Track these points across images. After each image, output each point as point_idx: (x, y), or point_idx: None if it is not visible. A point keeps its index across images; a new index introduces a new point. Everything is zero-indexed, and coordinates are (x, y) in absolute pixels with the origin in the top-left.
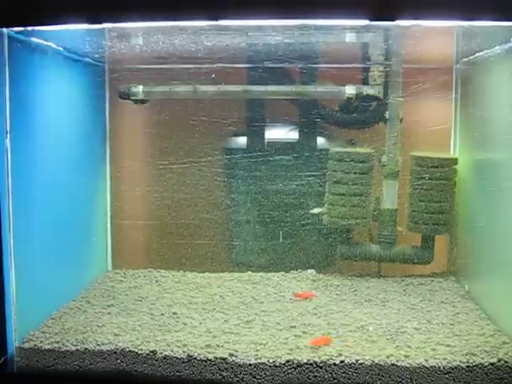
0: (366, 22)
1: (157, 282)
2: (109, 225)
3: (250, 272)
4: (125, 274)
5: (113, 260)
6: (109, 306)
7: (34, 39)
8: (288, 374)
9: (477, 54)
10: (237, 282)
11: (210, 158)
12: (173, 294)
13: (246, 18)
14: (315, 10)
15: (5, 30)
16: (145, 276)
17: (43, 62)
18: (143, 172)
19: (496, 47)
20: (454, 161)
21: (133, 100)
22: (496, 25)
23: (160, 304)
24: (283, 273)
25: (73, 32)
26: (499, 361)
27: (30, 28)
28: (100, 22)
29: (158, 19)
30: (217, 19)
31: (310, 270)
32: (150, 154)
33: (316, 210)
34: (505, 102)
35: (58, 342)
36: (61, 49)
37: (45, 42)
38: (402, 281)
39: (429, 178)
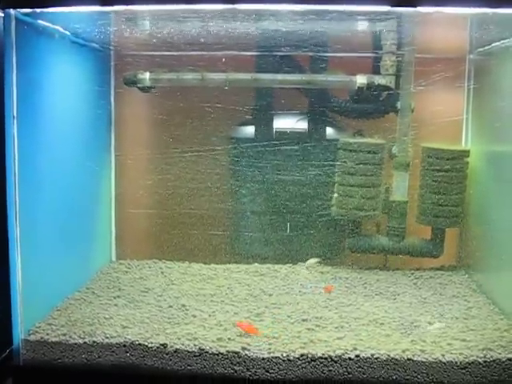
0: (386, 8)
1: (162, 273)
2: (113, 214)
3: (256, 264)
4: (129, 264)
5: (117, 250)
6: (115, 298)
7: (41, 22)
8: (302, 368)
9: (493, 44)
10: (244, 274)
11: (217, 148)
12: (179, 286)
13: (264, 2)
14: None
15: (12, 11)
16: (150, 267)
17: (50, 45)
18: (149, 160)
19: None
20: (466, 153)
21: (139, 87)
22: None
23: (167, 296)
24: (290, 264)
25: (80, 16)
26: None
27: (37, 10)
28: (110, 4)
29: (172, 2)
30: (234, 2)
31: (310, 260)
32: (155, 143)
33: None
34: None
35: (65, 335)
36: (68, 33)
37: (52, 26)
38: (412, 274)
39: (440, 170)
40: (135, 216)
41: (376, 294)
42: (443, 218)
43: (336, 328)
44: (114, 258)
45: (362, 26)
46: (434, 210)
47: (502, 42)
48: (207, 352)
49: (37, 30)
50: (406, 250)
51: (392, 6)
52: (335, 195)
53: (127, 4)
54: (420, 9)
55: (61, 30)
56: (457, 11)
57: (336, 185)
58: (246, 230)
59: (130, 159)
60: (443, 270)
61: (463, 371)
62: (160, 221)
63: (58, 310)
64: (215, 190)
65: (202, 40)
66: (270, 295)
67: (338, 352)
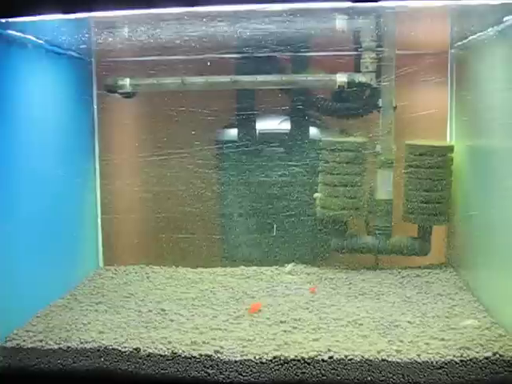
0: (348, 4)
1: (148, 278)
2: (99, 220)
3: (242, 266)
4: (116, 270)
5: (104, 256)
6: (96, 304)
7: (11, 32)
8: (275, 370)
9: (470, 37)
10: (229, 277)
11: (200, 151)
12: (163, 290)
13: (222, 3)
14: None
15: None
16: (136, 272)
17: (22, 55)
18: (134, 165)
19: (489, 29)
20: (450, 148)
21: (120, 93)
22: (487, 4)
23: (149, 300)
24: (277, 266)
25: (53, 24)
26: (494, 354)
27: (3, 20)
28: (74, 12)
29: (133, 7)
30: (194, 5)
31: (289, 265)
32: (140, 147)
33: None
34: (497, 87)
35: (41, 341)
36: (42, 42)
37: (23, 35)
38: (399, 273)
39: (424, 167)
40: (122, 221)
41: (360, 294)
42: (429, 215)
43: (313, 329)
44: (101, 264)
45: (341, 23)
46: (419, 208)
47: (478, 34)
48: (180, 356)
49: (7, 40)
50: (393, 248)
51: (354, 1)
52: (318, 195)
53: (88, 11)
54: (382, 3)
55: (33, 39)
56: (419, 5)
57: (319, 185)
58: (232, 232)
59: (114, 164)
60: (431, 268)
61: (439, 371)
62: (147, 226)
63: (37, 317)
64: (201, 193)
65: (182, 44)
66: (253, 298)
67: (312, 354)
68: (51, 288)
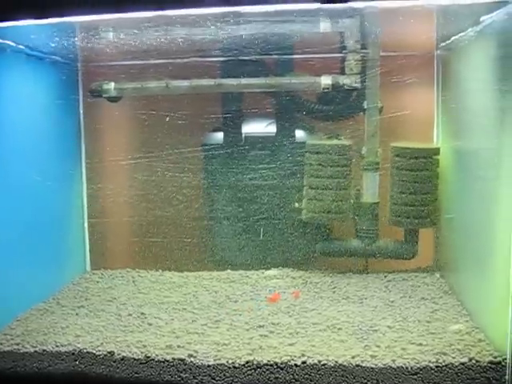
0: (316, 6)
1: (133, 282)
2: (86, 225)
3: (229, 270)
4: (102, 274)
5: (91, 260)
6: (78, 308)
7: None
8: (248, 375)
9: (452, 38)
10: (214, 281)
11: (187, 155)
12: (146, 294)
13: (190, 7)
14: None
15: None
16: (122, 276)
17: (1, 61)
18: (120, 170)
19: (469, 29)
20: (436, 151)
21: (105, 97)
22: (464, 4)
23: (130, 304)
24: (263, 270)
25: (36, 29)
26: (470, 360)
27: None
28: (46, 17)
29: (102, 12)
30: (163, 9)
31: (269, 271)
32: (126, 151)
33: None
34: (478, 87)
35: (18, 344)
36: (22, 47)
37: (1, 41)
38: (385, 277)
39: (410, 170)
40: (108, 225)
41: (343, 299)
42: (414, 218)
43: (290, 334)
44: (88, 268)
45: (325, 26)
46: (405, 211)
47: (459, 35)
48: (153, 359)
49: None
50: (378, 252)
51: (322, 2)
52: (304, 199)
53: (59, 16)
54: (352, 4)
55: (12, 44)
56: (389, 5)
57: (305, 188)
58: (218, 236)
59: (100, 168)
60: (418, 271)
61: (414, 377)
62: (133, 229)
63: (17, 320)
64: (187, 197)
65: (166, 47)
66: (235, 302)
67: (285, 358)
68: (34, 292)
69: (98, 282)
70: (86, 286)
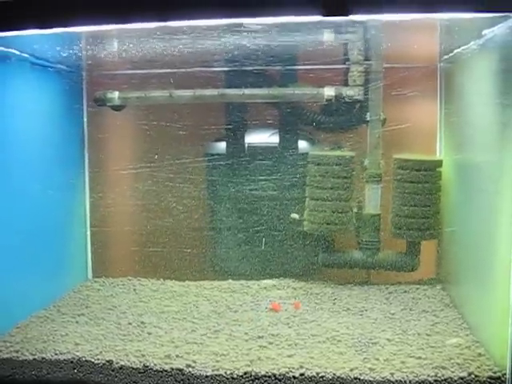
0: (318, 18)
1: (135, 290)
2: (88, 232)
3: (230, 280)
4: (104, 282)
5: (93, 268)
6: (78, 315)
7: None
8: None
9: (455, 51)
10: (215, 291)
11: (189, 165)
12: (147, 303)
13: (193, 18)
14: (265, 7)
15: None
16: (123, 284)
17: (5, 69)
18: (122, 179)
19: (471, 42)
20: (439, 163)
21: (109, 106)
22: (466, 18)
23: (130, 313)
24: (265, 281)
25: (41, 38)
26: (469, 374)
27: None
28: (50, 27)
29: (106, 22)
30: (166, 20)
31: (267, 281)
32: (130, 160)
33: (294, 216)
34: (480, 100)
35: (17, 352)
36: (26, 55)
37: (5, 49)
38: (386, 288)
39: (412, 182)
40: (110, 234)
41: (343, 310)
42: (417, 230)
43: (289, 345)
44: (90, 276)
45: (329, 37)
46: (407, 223)
47: (461, 48)
48: (151, 369)
49: None
50: (380, 264)
51: (324, 15)
52: (306, 210)
53: (64, 26)
54: (353, 17)
55: (17, 53)
56: (390, 18)
57: (307, 199)
58: (220, 246)
59: (103, 177)
60: (419, 284)
61: None
62: (136, 238)
63: (17, 328)
64: (190, 207)
65: (171, 57)
66: (235, 312)
67: (283, 370)
68: (35, 299)
69: (99, 289)
70: (86, 293)
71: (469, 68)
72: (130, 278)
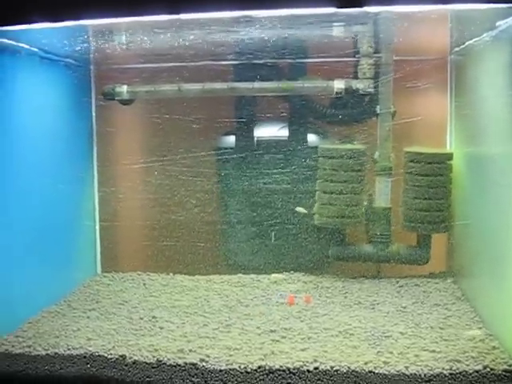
0: (332, 10)
1: (144, 285)
2: (98, 228)
3: (240, 274)
4: (113, 277)
5: (102, 263)
6: (89, 310)
7: (3, 40)
8: (260, 380)
9: (467, 43)
10: (225, 285)
11: (199, 158)
12: (157, 298)
13: (204, 10)
14: None
15: None
16: (133, 279)
17: (14, 63)
18: (131, 173)
19: (484, 34)
20: (449, 156)
21: (118, 100)
22: (479, 9)
23: (141, 308)
24: (275, 274)
25: (50, 32)
26: (485, 368)
27: None
28: (62, 20)
29: (118, 15)
30: (178, 12)
31: (275, 274)
32: (139, 154)
33: (300, 209)
34: (493, 92)
35: (29, 347)
36: (36, 50)
37: (15, 43)
38: (397, 282)
39: (423, 175)
40: (120, 228)
41: (355, 304)
42: (428, 223)
43: (302, 339)
44: (99, 271)
45: (339, 30)
46: (418, 216)
47: (474, 40)
48: (165, 364)
49: None
50: (391, 257)
51: (338, 7)
52: (316, 203)
53: (76, 19)
54: (367, 9)
55: (26, 47)
56: (404, 10)
57: (317, 192)
58: (230, 239)
59: (112, 171)
60: (431, 277)
61: None
62: (144, 233)
63: (29, 323)
64: (199, 200)
65: (180, 51)
66: (246, 306)
67: (297, 364)
68: (45, 294)
69: (108, 284)
70: (96, 288)
71: (481, 60)
72: (139, 272)
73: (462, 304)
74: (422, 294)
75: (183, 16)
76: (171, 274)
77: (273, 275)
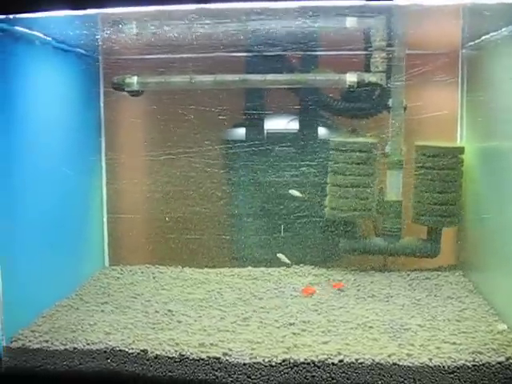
0: (362, 2)
1: (154, 278)
2: (105, 220)
3: (250, 267)
4: (122, 270)
5: (110, 256)
6: (102, 304)
7: (18, 28)
8: (284, 373)
9: (483, 37)
10: (236, 278)
11: (208, 151)
12: (169, 291)
13: (236, 0)
14: None
15: None
16: (142, 272)
17: (29, 52)
18: (140, 165)
19: (503, 29)
20: (460, 150)
21: (127, 91)
22: (502, 3)
23: (155, 301)
24: (285, 267)
25: (62, 21)
26: (507, 359)
27: (11, 16)
28: (84, 8)
29: (143, 3)
30: (206, 2)
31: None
32: (147, 146)
33: (294, 192)
34: (508, 88)
35: (47, 341)
36: (49, 39)
37: (30, 32)
38: (408, 275)
39: (433, 168)
40: (128, 221)
41: (368, 297)
42: (438, 217)
43: (322, 332)
44: (107, 264)
45: (352, 23)
46: (429, 209)
47: (491, 34)
48: (188, 358)
49: (14, 37)
50: (402, 250)
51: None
52: (327, 196)
53: (98, 7)
54: (397, 1)
55: (41, 36)
56: (434, 3)
57: (328, 185)
58: (239, 232)
59: (121, 163)
60: (441, 270)
61: (451, 376)
62: (152, 225)
63: (43, 317)
64: (208, 193)
65: (191, 42)
66: (261, 299)
67: (322, 357)
68: (57, 287)
69: (118, 277)
70: (106, 281)
71: (499, 55)
72: (147, 265)
73: (475, 297)
74: (434, 286)
75: (207, 6)
76: (180, 267)
77: (278, 254)
